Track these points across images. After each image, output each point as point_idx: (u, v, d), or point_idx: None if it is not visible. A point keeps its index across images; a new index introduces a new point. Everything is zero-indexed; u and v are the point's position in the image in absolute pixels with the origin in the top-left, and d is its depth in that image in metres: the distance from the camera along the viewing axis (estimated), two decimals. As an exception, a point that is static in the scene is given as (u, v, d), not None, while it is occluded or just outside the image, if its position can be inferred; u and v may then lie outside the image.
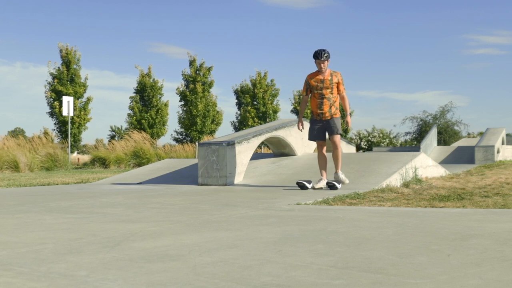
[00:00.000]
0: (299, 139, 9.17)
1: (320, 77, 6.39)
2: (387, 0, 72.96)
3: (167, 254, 2.27)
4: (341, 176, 6.36)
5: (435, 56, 71.31)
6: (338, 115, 6.48)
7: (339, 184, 6.20)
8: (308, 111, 19.38)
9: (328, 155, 6.58)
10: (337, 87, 6.46)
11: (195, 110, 23.50)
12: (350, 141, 24.59)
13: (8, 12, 71.15)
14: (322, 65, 6.30)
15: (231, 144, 7.14)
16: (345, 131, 32.61)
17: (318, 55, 6.27)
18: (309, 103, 6.69)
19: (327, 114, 6.41)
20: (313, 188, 6.20)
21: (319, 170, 6.42)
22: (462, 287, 1.70)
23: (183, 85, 24.06)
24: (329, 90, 6.37)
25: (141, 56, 75.06)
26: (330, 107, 6.39)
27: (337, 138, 6.44)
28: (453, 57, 69.84)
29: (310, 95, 6.57)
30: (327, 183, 6.19)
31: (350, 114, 6.71)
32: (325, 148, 6.48)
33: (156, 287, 1.72)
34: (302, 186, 6.18)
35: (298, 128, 6.75)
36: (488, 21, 70.05)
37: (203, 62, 24.24)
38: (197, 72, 24.04)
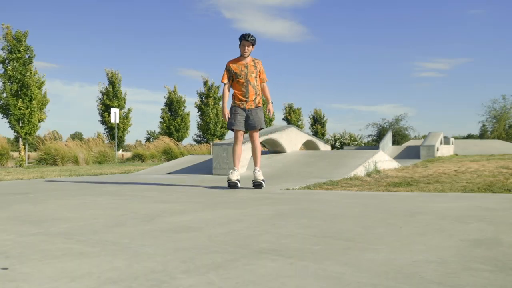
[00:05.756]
0: (288, 140, 9.17)
1: (243, 62, 4.70)
2: (354, 36, 73.18)
3: (189, 227, 2.27)
4: (260, 172, 4.65)
5: (391, 77, 71.76)
6: (261, 105, 4.84)
7: (264, 182, 4.69)
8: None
9: (245, 147, 4.80)
10: (260, 75, 4.80)
11: (208, 118, 23.59)
12: (326, 141, 24.54)
13: (66, 44, 71.12)
14: (247, 48, 4.63)
15: (237, 144, 7.14)
16: (323, 134, 32.60)
17: (246, 36, 4.58)
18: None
19: (251, 103, 4.70)
20: (229, 180, 4.58)
21: (233, 162, 4.76)
22: (411, 251, 1.70)
23: (199, 100, 24.11)
24: (253, 76, 4.69)
25: (169, 77, 75.44)
26: (256, 95, 4.72)
27: (258, 134, 4.80)
28: (403, 79, 70.48)
29: (230, 83, 4.78)
30: (254, 182, 4.59)
31: (272, 102, 5.00)
32: (253, 138, 4.75)
33: (181, 251, 1.73)
34: (234, 185, 4.60)
35: (225, 118, 4.77)
36: (429, 52, 70.46)
37: (213, 82, 24.26)
38: (209, 90, 24.07)
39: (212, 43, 75.32)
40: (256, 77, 4.71)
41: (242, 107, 4.69)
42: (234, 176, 4.57)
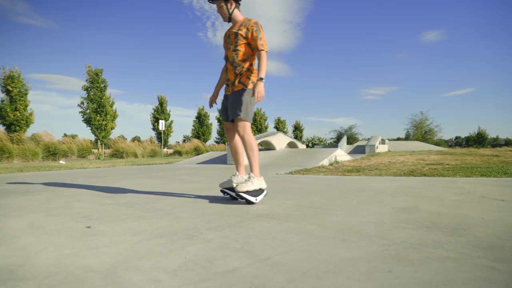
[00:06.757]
0: (277, 141, 9.16)
1: (228, 31, 2.07)
2: (323, 73, 73.31)
3: (211, 199, 2.27)
4: (254, 180, 1.98)
5: (346, 99, 71.88)
6: (241, 87, 1.98)
7: (256, 197, 1.96)
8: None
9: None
10: (251, 43, 1.96)
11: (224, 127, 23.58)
12: (303, 142, 24.42)
13: (129, 77, 70.99)
14: (218, 11, 2.02)
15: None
16: (301, 137, 32.46)
17: None
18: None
19: (229, 87, 2.05)
20: (220, 185, 2.21)
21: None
22: (359, 215, 1.70)
23: (218, 115, 24.04)
24: (232, 48, 2.00)
25: (197, 99, 75.09)
26: (235, 75, 2.00)
27: (241, 124, 1.97)
28: (354, 100, 70.75)
29: None
30: (237, 195, 1.99)
31: (262, 79, 1.86)
32: (234, 133, 2.13)
33: (206, 216, 1.72)
34: (225, 193, 2.22)
35: (210, 105, 2.19)
36: (371, 82, 70.68)
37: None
38: (225, 108, 23.98)
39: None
40: (235, 50, 2.01)
41: (225, 92, 2.13)
42: (225, 183, 2.17)
